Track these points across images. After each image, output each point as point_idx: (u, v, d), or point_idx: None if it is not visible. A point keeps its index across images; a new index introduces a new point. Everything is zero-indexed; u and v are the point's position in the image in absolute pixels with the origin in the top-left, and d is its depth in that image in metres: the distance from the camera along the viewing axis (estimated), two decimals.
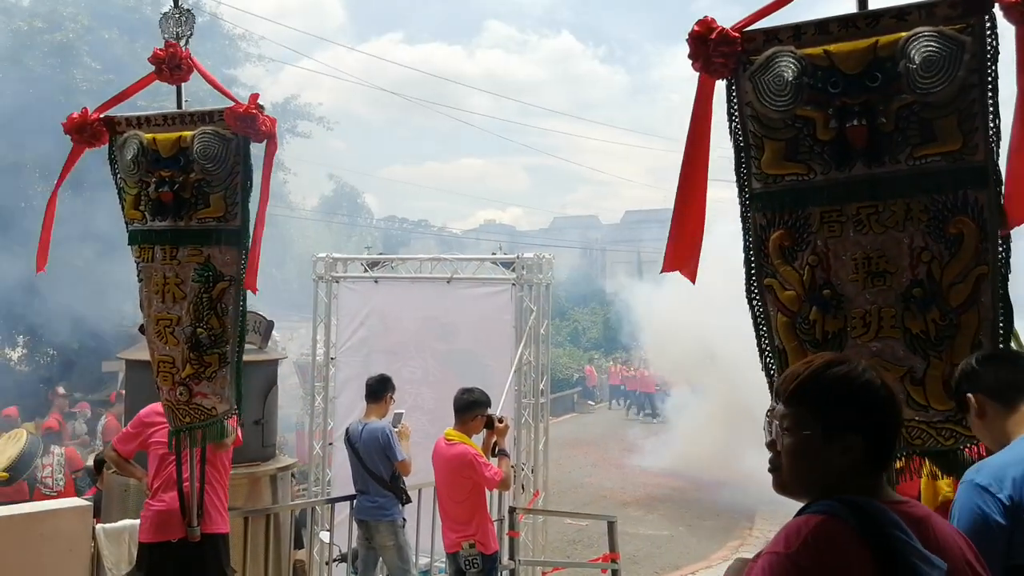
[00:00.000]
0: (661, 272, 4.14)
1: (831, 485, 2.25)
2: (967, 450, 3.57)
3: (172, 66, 5.49)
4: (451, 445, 7.62)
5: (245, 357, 5.73)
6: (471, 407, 7.80)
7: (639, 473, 23.50)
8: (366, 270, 13.52)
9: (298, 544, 9.17)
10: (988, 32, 3.41)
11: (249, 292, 5.53)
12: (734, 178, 3.87)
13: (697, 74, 3.86)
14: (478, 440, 7.95)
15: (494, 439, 7.93)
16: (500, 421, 8.00)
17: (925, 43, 3.43)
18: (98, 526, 6.95)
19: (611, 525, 9.78)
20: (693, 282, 4.01)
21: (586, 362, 40.58)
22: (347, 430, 8.72)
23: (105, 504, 8.16)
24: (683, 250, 3.99)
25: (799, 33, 3.67)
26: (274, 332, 9.76)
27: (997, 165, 3.45)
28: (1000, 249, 3.48)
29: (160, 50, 5.52)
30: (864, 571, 2.09)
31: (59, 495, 11.52)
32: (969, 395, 3.33)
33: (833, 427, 2.26)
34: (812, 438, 2.28)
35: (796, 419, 2.32)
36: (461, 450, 7.53)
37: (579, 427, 32.64)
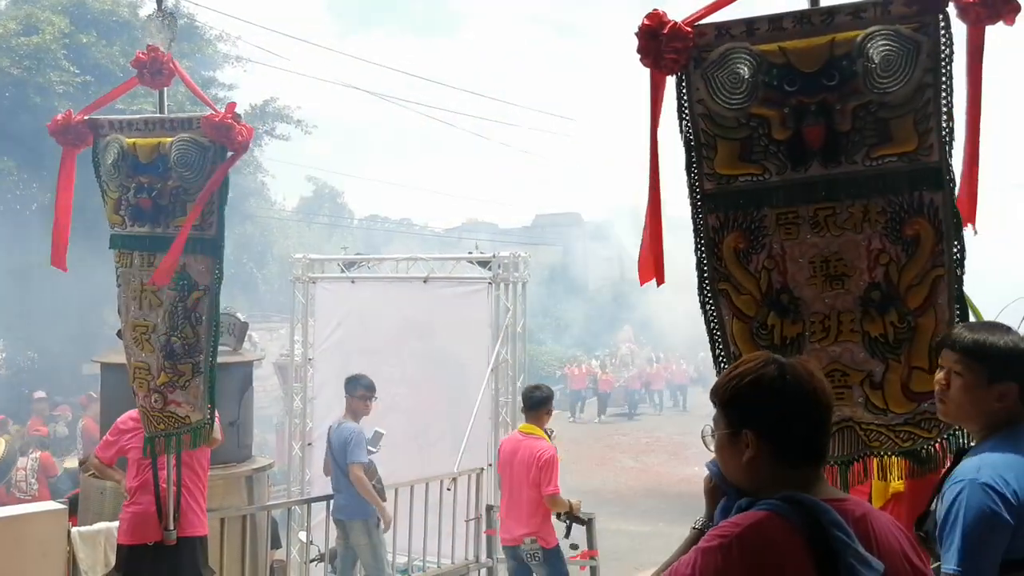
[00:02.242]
0: (641, 285, 4.03)
1: (759, 481, 2.33)
2: (936, 446, 3.56)
3: (153, 71, 5.49)
4: (536, 439, 7.95)
5: (220, 359, 5.77)
6: (543, 403, 8.15)
7: (620, 470, 23.54)
8: (343, 270, 13.54)
9: (275, 544, 9.18)
10: (943, 31, 3.41)
11: (223, 296, 5.57)
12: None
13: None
14: None
15: None
16: (552, 432, 8.26)
17: (883, 42, 3.41)
18: (73, 529, 6.97)
19: (589, 522, 9.78)
20: (661, 284, 3.90)
21: (568, 359, 40.55)
22: (329, 428, 8.79)
23: (82, 507, 8.18)
24: (654, 255, 3.90)
25: (752, 29, 3.61)
26: (254, 333, 9.80)
27: (951, 166, 3.45)
28: (955, 250, 3.48)
29: (142, 54, 5.50)
30: (800, 569, 2.14)
31: (33, 499, 11.54)
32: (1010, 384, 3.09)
33: (733, 425, 2.36)
34: (723, 437, 2.40)
35: (716, 420, 2.44)
36: (549, 450, 7.89)
37: (560, 424, 32.57)
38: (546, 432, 8.10)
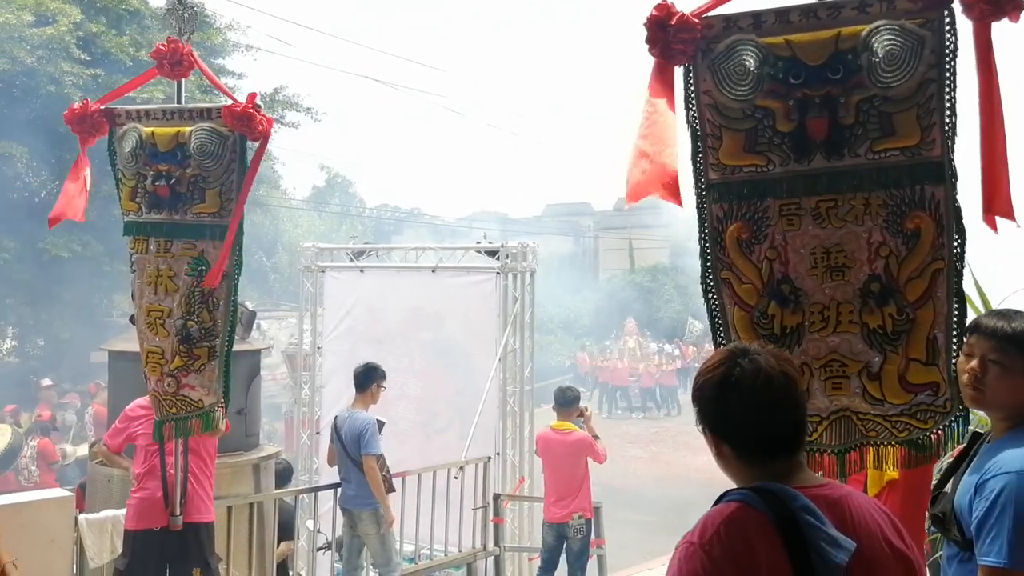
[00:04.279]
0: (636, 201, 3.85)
1: (734, 477, 2.40)
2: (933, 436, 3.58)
3: (173, 62, 5.62)
4: (568, 433, 9.23)
5: None
6: (575, 402, 9.46)
7: (627, 459, 23.56)
8: (352, 260, 13.57)
9: (287, 534, 9.12)
10: (947, 27, 3.44)
11: (240, 282, 5.68)
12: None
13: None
14: None
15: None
16: (587, 409, 9.67)
17: (887, 36, 3.44)
18: (80, 516, 7.02)
19: (596, 511, 9.84)
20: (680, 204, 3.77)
21: (578, 349, 40.55)
22: (335, 418, 8.77)
23: (89, 494, 8.23)
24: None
25: (759, 21, 3.65)
26: (263, 322, 9.81)
27: (953, 161, 3.48)
28: (955, 244, 3.51)
29: (162, 45, 5.63)
30: (773, 556, 2.18)
31: (35, 487, 11.63)
32: None
33: (704, 431, 2.43)
34: (706, 438, 2.45)
35: None
36: (581, 436, 9.22)
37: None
38: (579, 418, 9.35)
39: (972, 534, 3.01)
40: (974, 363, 3.17)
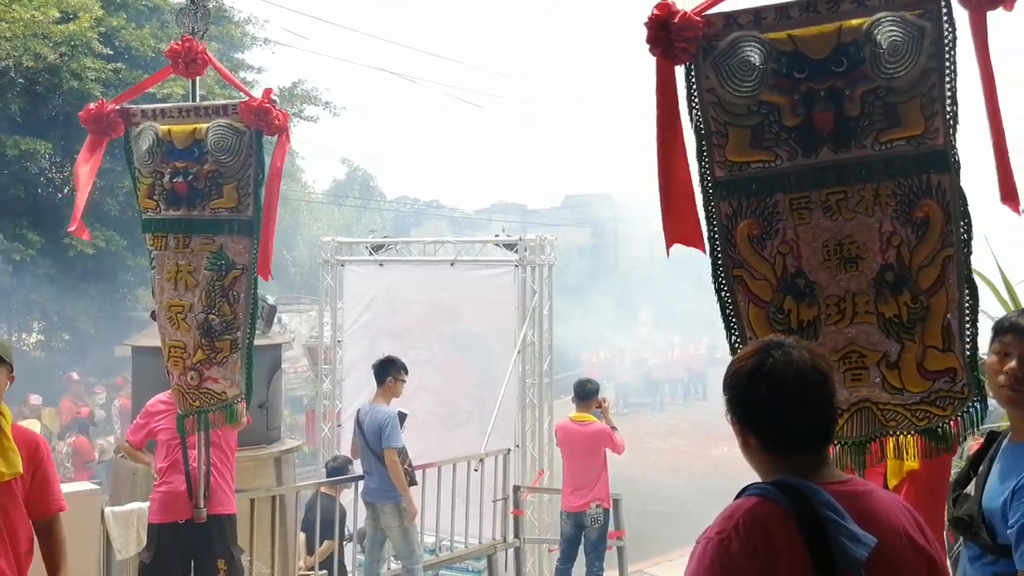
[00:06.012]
0: (668, 248, 3.98)
1: (758, 469, 2.39)
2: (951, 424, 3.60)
3: (187, 60, 5.69)
4: (586, 425, 9.37)
5: None
6: (594, 394, 9.51)
7: (648, 451, 23.57)
8: (371, 253, 13.66)
9: (329, 533, 9.11)
10: (945, 17, 3.49)
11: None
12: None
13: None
14: None
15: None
16: (605, 401, 9.80)
17: (890, 28, 3.48)
18: (106, 509, 7.08)
19: (616, 502, 9.88)
20: (703, 251, 3.88)
21: (595, 341, 40.37)
22: (358, 412, 8.82)
23: (114, 488, 8.32)
24: (682, 225, 3.91)
25: (759, 18, 3.68)
26: (284, 315, 9.86)
27: (956, 149, 3.52)
28: (962, 230, 3.55)
29: (176, 44, 5.71)
30: (793, 551, 2.17)
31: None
32: None
33: (732, 421, 2.41)
34: (733, 428, 2.44)
35: None
36: (600, 427, 9.35)
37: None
38: (597, 409, 9.45)
39: (1007, 539, 2.98)
40: (1013, 364, 3.14)
